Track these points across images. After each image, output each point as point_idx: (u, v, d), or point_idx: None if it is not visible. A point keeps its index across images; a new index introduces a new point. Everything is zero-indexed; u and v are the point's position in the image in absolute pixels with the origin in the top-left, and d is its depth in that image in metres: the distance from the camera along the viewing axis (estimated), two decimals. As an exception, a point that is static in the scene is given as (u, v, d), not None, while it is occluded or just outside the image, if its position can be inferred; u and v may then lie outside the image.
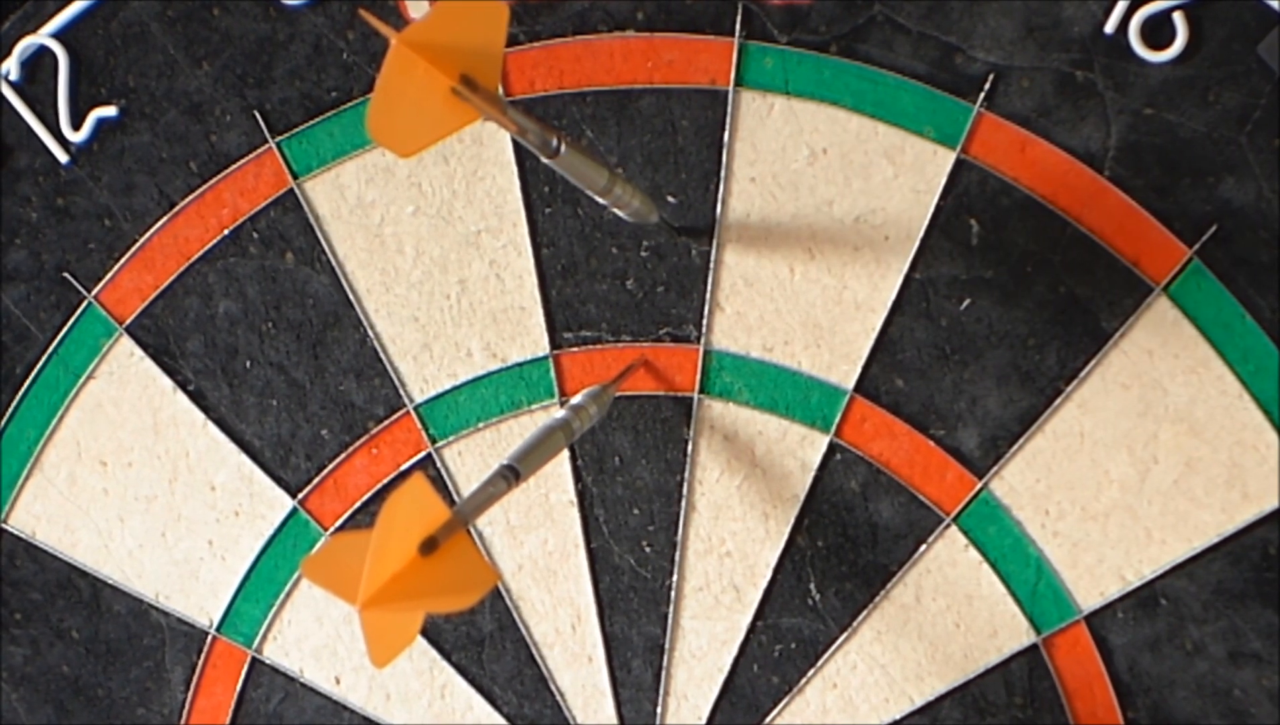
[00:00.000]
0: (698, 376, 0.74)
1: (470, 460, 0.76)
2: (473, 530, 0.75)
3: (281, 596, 0.78)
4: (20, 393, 0.80)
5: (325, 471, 0.77)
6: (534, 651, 0.76)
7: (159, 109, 0.78)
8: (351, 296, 0.77)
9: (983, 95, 0.71)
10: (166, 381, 0.79)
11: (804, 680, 0.74)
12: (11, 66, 0.79)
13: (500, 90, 0.74)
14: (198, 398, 0.78)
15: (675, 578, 0.75)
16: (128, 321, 0.79)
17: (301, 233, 0.77)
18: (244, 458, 0.78)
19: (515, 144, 0.75)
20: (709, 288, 0.74)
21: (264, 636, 0.78)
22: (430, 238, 0.76)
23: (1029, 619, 0.72)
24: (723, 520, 0.74)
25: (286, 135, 0.77)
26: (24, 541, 0.80)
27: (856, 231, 0.73)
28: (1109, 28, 0.70)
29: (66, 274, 0.79)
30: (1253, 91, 0.69)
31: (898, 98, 0.72)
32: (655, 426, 0.75)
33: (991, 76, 0.71)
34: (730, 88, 0.74)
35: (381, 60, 0.51)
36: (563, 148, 0.58)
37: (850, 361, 0.73)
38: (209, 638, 0.78)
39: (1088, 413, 0.71)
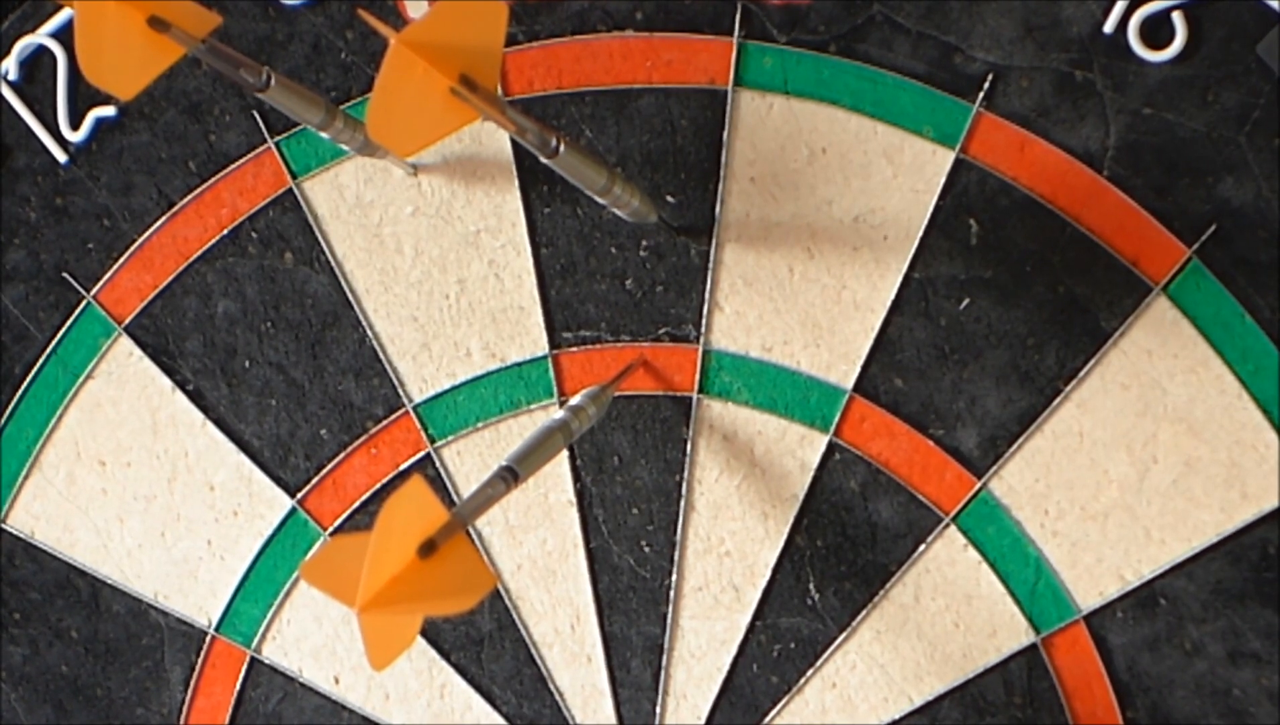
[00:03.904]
0: (697, 376, 0.74)
1: (469, 460, 0.76)
2: (471, 530, 0.75)
3: (280, 596, 0.78)
4: (19, 392, 0.80)
5: (324, 471, 0.77)
6: (533, 651, 0.76)
7: (158, 109, 0.78)
8: (350, 296, 0.77)
9: (982, 95, 0.71)
10: (165, 381, 0.79)
11: (803, 680, 0.74)
12: (10, 66, 0.79)
13: (499, 90, 0.74)
14: (196, 397, 0.78)
15: (674, 577, 0.75)
16: (127, 321, 0.79)
17: (300, 232, 0.77)
18: (243, 457, 0.78)
19: (514, 144, 0.75)
20: (708, 287, 0.74)
21: (263, 636, 0.78)
22: (429, 237, 0.76)
23: (1028, 619, 0.72)
24: (722, 520, 0.74)
25: (285, 135, 0.77)
26: (23, 541, 0.80)
27: (856, 231, 0.73)
28: (1108, 27, 0.70)
29: (65, 274, 0.79)
30: (1252, 91, 0.69)
31: (897, 97, 0.72)
32: (654, 426, 0.75)
33: (990, 76, 0.71)
34: (729, 87, 0.74)
35: (380, 60, 0.51)
36: (561, 147, 0.59)
37: (849, 361, 0.73)
38: (208, 637, 0.78)
39: (1087, 412, 0.71)
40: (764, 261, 0.74)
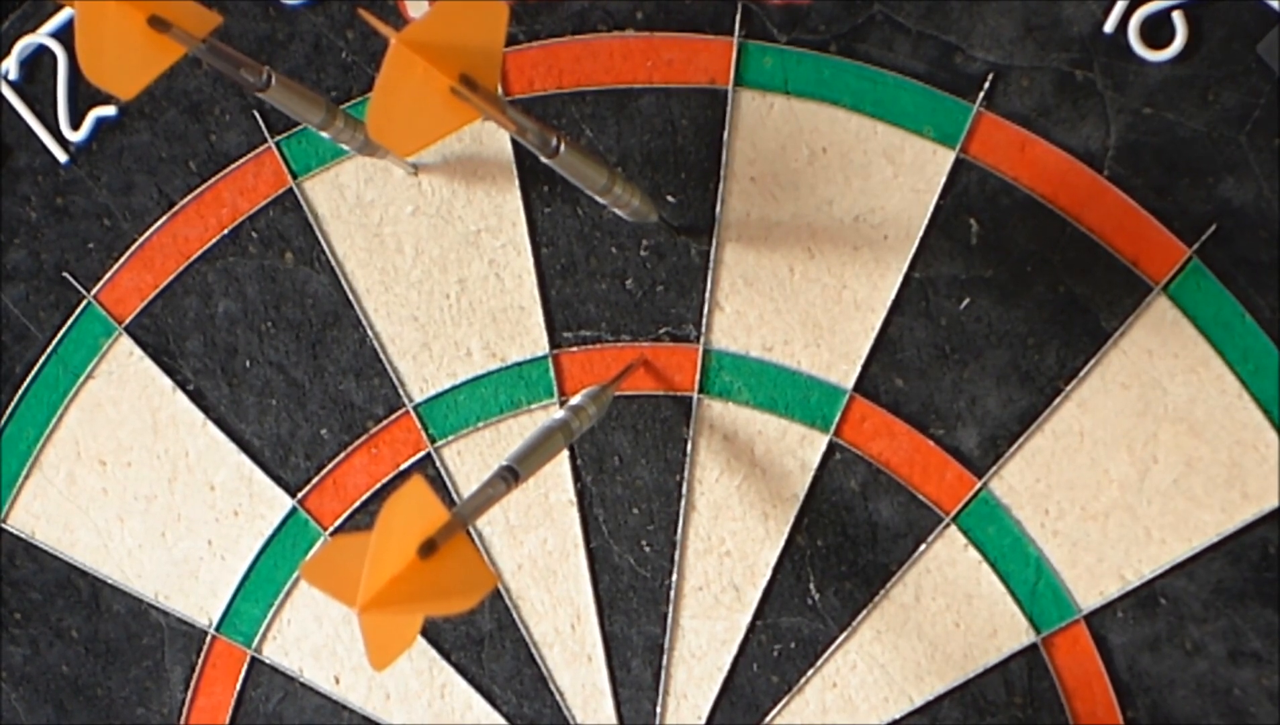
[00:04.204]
0: (697, 376, 0.74)
1: (470, 460, 0.76)
2: (472, 530, 0.75)
3: (281, 596, 0.78)
4: (20, 392, 0.80)
5: (325, 471, 0.77)
6: (533, 651, 0.76)
7: (158, 108, 0.78)
8: (351, 296, 0.77)
9: (982, 95, 0.71)
10: (166, 381, 0.79)
11: (804, 680, 0.74)
12: (11, 66, 0.79)
13: (499, 90, 0.74)
14: (197, 397, 0.78)
15: (675, 577, 0.75)
16: (127, 321, 0.79)
17: (301, 232, 0.77)
18: (243, 457, 0.78)
19: (515, 143, 0.75)
20: (708, 287, 0.74)
21: (263, 636, 0.78)
22: (429, 237, 0.76)
23: (1028, 618, 0.72)
24: (722, 520, 0.74)
25: (286, 135, 0.77)
26: (23, 541, 0.80)
27: (856, 231, 0.73)
28: (1108, 27, 0.70)
29: (66, 273, 0.79)
30: (1252, 91, 0.69)
31: (897, 97, 0.72)
32: (655, 426, 0.75)
33: (991, 76, 0.71)
34: (730, 87, 0.74)
35: (381, 60, 0.51)
36: (562, 147, 0.59)
37: (850, 361, 0.73)
38: (208, 637, 0.78)
39: (1087, 412, 0.71)
40: (764, 261, 0.74)
